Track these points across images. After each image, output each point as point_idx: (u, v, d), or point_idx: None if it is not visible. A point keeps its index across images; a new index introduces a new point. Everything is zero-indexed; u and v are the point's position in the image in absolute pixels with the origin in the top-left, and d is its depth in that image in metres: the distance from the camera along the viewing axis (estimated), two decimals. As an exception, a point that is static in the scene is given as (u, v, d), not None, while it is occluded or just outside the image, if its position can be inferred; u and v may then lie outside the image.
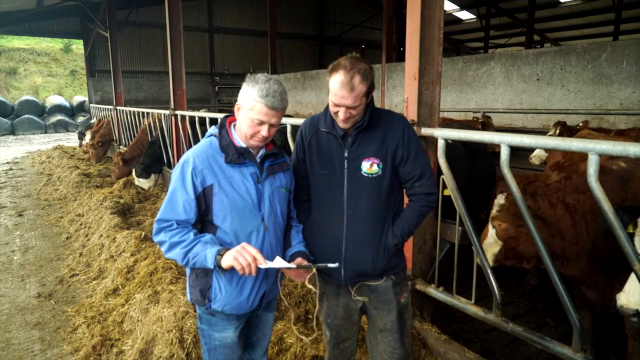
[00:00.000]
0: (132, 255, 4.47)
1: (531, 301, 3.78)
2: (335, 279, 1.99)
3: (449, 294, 2.86)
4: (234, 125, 1.87)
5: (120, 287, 3.96)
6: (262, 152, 1.88)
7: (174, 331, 2.85)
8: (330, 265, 1.82)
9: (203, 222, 1.83)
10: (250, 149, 1.83)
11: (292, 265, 1.78)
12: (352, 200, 1.92)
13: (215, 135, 1.87)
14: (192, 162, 1.76)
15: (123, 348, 3.11)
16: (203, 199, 1.77)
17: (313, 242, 2.01)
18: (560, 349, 2.23)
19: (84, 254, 5.07)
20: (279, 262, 1.75)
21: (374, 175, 1.89)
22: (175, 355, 2.71)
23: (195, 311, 3.01)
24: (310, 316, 3.25)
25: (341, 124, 1.86)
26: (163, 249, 1.74)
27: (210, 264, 1.67)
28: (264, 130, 1.74)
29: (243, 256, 1.64)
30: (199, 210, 1.78)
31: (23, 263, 4.97)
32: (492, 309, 2.56)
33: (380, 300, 2.03)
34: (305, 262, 1.86)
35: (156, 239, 1.75)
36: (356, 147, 1.90)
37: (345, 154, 1.91)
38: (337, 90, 1.75)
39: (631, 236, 1.88)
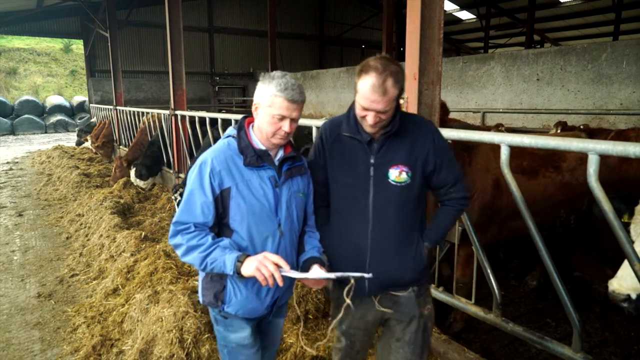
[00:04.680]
0: (132, 255, 4.47)
1: (531, 301, 3.78)
2: (359, 290, 1.86)
3: (449, 294, 2.86)
4: (252, 127, 1.82)
5: (120, 287, 3.96)
6: (280, 154, 1.83)
7: (174, 331, 2.85)
8: (366, 275, 1.71)
9: (219, 225, 1.78)
10: (269, 152, 1.78)
11: (332, 275, 1.69)
12: (379, 210, 1.81)
13: (233, 137, 1.82)
14: (210, 163, 1.72)
15: (123, 348, 3.11)
16: (220, 202, 1.73)
17: (332, 251, 1.93)
18: (560, 349, 2.23)
19: (84, 254, 5.07)
20: (315, 272, 1.68)
21: (403, 184, 1.79)
22: (175, 355, 2.71)
23: (195, 311, 3.01)
24: (310, 316, 3.25)
25: (368, 129, 1.76)
26: (179, 252, 1.70)
27: (229, 271, 1.63)
28: (285, 126, 1.70)
29: (265, 266, 1.59)
30: (216, 213, 1.74)
31: (23, 263, 4.97)
32: (492, 309, 2.56)
33: (402, 312, 1.94)
34: (324, 270, 1.80)
35: (172, 241, 1.71)
36: (383, 153, 1.80)
37: (371, 161, 1.80)
38: (367, 93, 1.64)
39: (626, 225, 1.88)
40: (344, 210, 1.89)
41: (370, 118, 1.69)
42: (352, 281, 1.76)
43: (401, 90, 1.69)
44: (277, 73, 1.71)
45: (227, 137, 1.84)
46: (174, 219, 1.72)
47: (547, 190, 3.16)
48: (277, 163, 1.80)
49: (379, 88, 1.61)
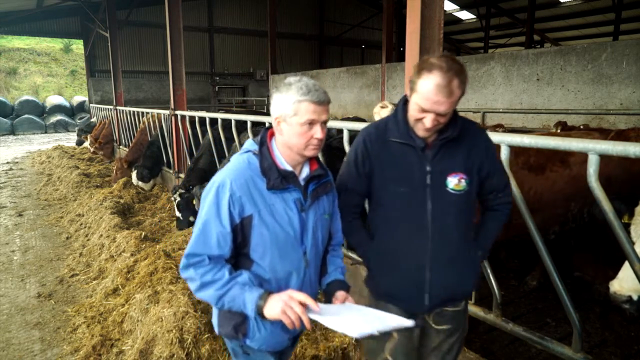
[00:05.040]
0: (132, 255, 4.47)
1: (531, 301, 3.78)
2: (415, 308, 1.73)
3: (449, 294, 2.85)
4: (274, 141, 1.62)
5: (120, 287, 3.96)
6: (306, 172, 1.64)
7: (174, 331, 2.85)
8: (409, 324, 1.50)
9: (237, 255, 1.59)
10: (294, 172, 1.59)
11: (374, 331, 1.43)
12: (438, 221, 1.69)
13: (254, 153, 1.60)
14: (229, 187, 1.50)
15: (123, 348, 3.11)
16: (240, 231, 1.53)
17: (384, 272, 1.80)
18: (560, 349, 2.22)
19: (84, 254, 5.07)
20: (352, 327, 1.39)
21: (462, 192, 1.69)
22: (175, 355, 2.71)
23: (195, 311, 3.01)
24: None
25: (421, 133, 1.63)
26: (192, 287, 1.53)
27: (250, 312, 1.46)
28: (317, 133, 1.51)
29: (292, 308, 1.42)
30: (235, 243, 1.55)
31: (23, 263, 4.97)
32: (492, 309, 2.56)
33: (449, 324, 1.85)
34: (348, 298, 1.64)
35: (184, 274, 1.53)
36: (439, 159, 1.67)
37: (428, 168, 1.67)
38: (431, 94, 1.49)
39: (626, 226, 1.88)
40: (398, 225, 1.76)
41: (428, 121, 1.56)
42: (395, 335, 1.63)
43: (463, 93, 1.56)
44: (291, 78, 1.52)
45: (247, 152, 1.62)
46: (186, 250, 1.53)
47: (555, 184, 3.15)
48: (302, 183, 1.61)
49: (444, 88, 1.48)
